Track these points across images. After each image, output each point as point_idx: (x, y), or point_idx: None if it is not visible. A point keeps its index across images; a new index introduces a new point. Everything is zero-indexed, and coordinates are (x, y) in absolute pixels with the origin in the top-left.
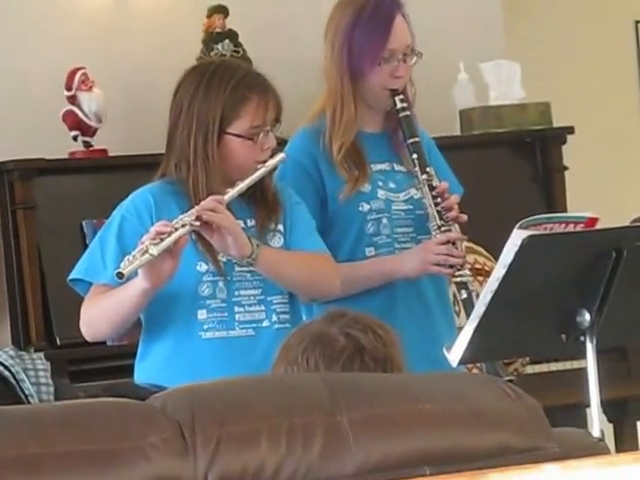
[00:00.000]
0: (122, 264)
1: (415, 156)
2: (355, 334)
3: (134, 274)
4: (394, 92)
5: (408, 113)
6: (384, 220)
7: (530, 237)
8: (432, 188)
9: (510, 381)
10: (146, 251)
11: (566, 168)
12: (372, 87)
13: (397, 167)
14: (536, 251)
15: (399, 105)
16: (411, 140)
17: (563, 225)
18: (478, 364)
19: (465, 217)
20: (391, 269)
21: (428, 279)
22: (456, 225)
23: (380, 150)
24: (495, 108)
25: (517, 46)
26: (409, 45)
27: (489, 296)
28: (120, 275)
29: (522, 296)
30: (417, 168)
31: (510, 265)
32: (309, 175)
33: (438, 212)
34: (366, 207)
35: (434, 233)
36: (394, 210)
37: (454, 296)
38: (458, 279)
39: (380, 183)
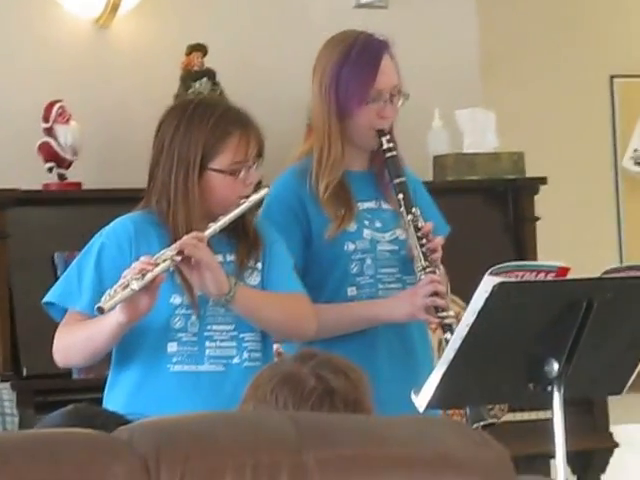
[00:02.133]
0: (103, 298)
1: (401, 196)
2: (326, 376)
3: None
4: (381, 132)
5: (395, 153)
6: (368, 260)
7: (501, 284)
8: (417, 229)
9: (492, 424)
10: (127, 285)
11: (538, 218)
12: (359, 127)
13: (384, 205)
14: (506, 298)
15: (385, 145)
16: (397, 180)
17: (534, 273)
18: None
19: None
20: (380, 313)
21: (414, 323)
22: (441, 266)
23: (367, 189)
24: (469, 156)
25: (493, 95)
26: (396, 85)
27: (458, 342)
28: (100, 310)
29: (491, 343)
30: (403, 208)
31: (480, 311)
32: (295, 214)
33: (423, 253)
34: (351, 247)
35: (419, 274)
36: (379, 250)
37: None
38: (443, 320)
39: (366, 222)
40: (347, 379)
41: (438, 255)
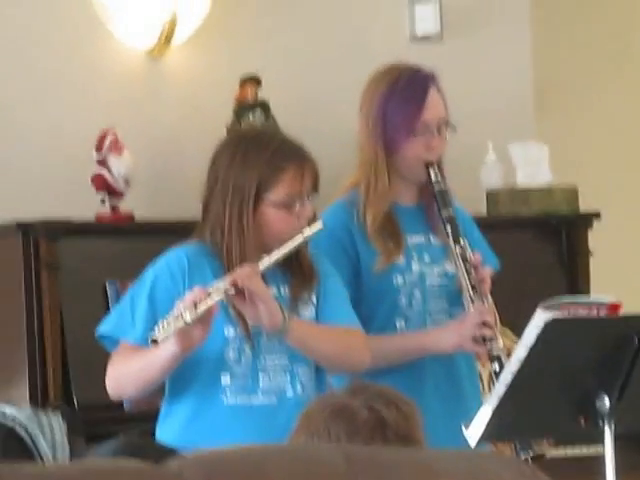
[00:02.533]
0: (156, 330)
1: (449, 228)
2: (378, 408)
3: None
4: (429, 164)
5: (443, 185)
6: (417, 293)
7: (553, 319)
8: (465, 260)
9: (541, 456)
10: (181, 317)
11: (591, 252)
12: (406, 159)
13: (433, 239)
14: (558, 333)
15: (434, 177)
16: (445, 212)
17: (586, 308)
18: None
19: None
20: (427, 344)
21: (461, 355)
22: (489, 297)
23: (415, 222)
24: (522, 190)
25: (546, 128)
26: (443, 117)
27: (510, 377)
28: (154, 341)
29: (542, 377)
30: (451, 240)
31: (532, 346)
32: (344, 247)
33: (471, 284)
34: (400, 280)
35: (467, 305)
36: (428, 284)
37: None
38: (492, 352)
39: (415, 256)
40: (399, 411)
41: (487, 286)
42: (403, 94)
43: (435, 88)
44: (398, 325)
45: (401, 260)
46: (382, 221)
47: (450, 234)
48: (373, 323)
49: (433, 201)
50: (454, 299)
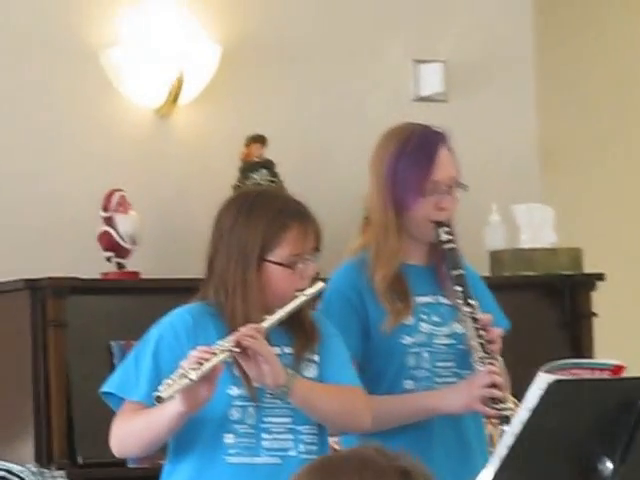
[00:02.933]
0: (161, 388)
1: (459, 288)
2: None
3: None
4: (439, 224)
5: (453, 245)
6: (425, 354)
7: (556, 382)
8: (475, 320)
9: None
10: (186, 376)
11: (595, 314)
12: (417, 219)
13: (442, 300)
14: (561, 396)
15: (444, 237)
16: (455, 272)
17: (589, 371)
18: None
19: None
20: (436, 405)
21: (469, 416)
22: (499, 358)
23: (425, 283)
24: (526, 251)
25: (551, 190)
26: (453, 177)
27: (511, 439)
28: (159, 399)
29: (544, 440)
30: (461, 300)
31: (534, 409)
32: (353, 307)
33: (481, 344)
34: (408, 340)
35: (476, 366)
36: (436, 344)
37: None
38: (500, 412)
39: (424, 316)
40: None
41: (497, 346)
42: (413, 154)
43: (446, 147)
44: (406, 385)
45: (410, 320)
46: (391, 281)
47: (460, 294)
48: (382, 383)
49: (443, 261)
50: (463, 360)
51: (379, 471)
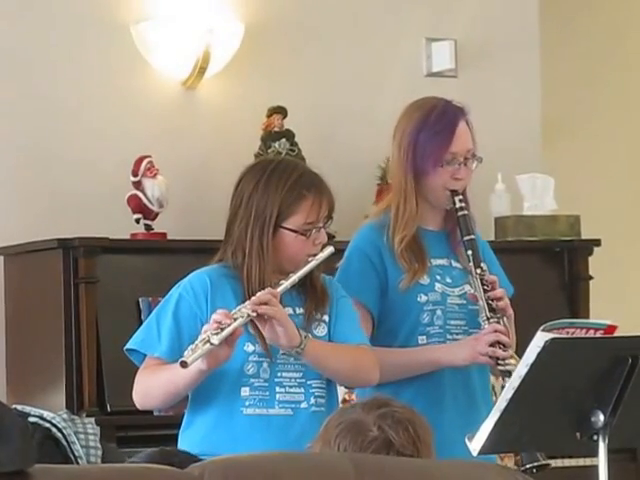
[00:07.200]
0: (186, 353)
1: (470, 252)
2: (387, 429)
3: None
4: (454, 193)
5: (466, 212)
6: (438, 312)
7: (552, 339)
8: (483, 282)
9: (547, 465)
10: (208, 340)
11: (591, 277)
12: (434, 186)
13: (454, 263)
14: (557, 353)
15: (458, 205)
16: (467, 237)
17: (584, 330)
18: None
19: (511, 311)
20: (441, 357)
21: (475, 368)
22: (505, 318)
23: (439, 246)
24: (528, 218)
25: (553, 161)
26: (470, 150)
27: (510, 392)
28: (184, 364)
29: (541, 394)
30: (471, 263)
31: (532, 364)
32: (372, 264)
33: (488, 304)
34: (424, 298)
35: (483, 324)
36: (449, 303)
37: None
38: (503, 367)
39: (438, 277)
40: (407, 433)
41: (503, 303)
42: (434, 126)
43: (464, 121)
44: (420, 340)
45: (425, 280)
46: (409, 243)
47: (471, 258)
48: (397, 338)
49: (456, 227)
50: (472, 319)
51: (359, 437)
